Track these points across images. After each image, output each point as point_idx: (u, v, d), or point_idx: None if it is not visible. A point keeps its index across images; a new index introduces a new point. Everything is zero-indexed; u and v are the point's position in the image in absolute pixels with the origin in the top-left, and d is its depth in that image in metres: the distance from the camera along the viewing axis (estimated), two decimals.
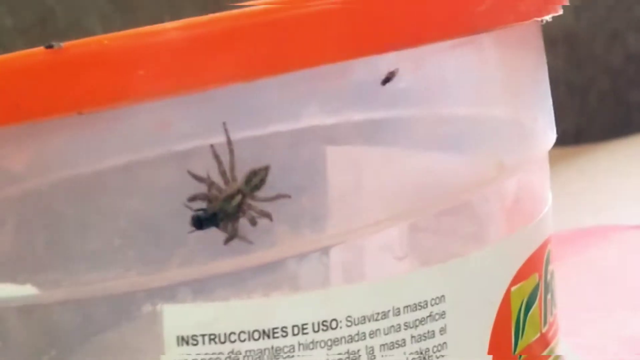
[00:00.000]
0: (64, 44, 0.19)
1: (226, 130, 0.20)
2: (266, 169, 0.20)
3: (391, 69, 0.21)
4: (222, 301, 0.20)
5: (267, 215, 0.20)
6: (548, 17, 0.23)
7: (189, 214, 0.20)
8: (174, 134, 0.20)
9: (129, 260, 0.20)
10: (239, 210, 0.20)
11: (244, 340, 0.21)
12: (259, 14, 0.19)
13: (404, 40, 0.20)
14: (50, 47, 0.19)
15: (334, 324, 0.21)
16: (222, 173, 0.20)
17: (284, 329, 0.21)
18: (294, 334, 0.21)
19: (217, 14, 0.19)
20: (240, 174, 0.20)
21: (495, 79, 0.23)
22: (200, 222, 0.20)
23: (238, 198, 0.20)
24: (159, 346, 0.20)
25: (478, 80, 0.23)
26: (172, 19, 0.62)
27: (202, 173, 0.20)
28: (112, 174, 0.20)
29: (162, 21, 0.63)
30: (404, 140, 0.23)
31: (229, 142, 0.20)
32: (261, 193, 0.20)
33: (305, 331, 0.21)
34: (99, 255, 0.20)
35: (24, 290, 0.20)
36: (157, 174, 0.20)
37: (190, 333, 0.20)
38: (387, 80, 0.21)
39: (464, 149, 0.23)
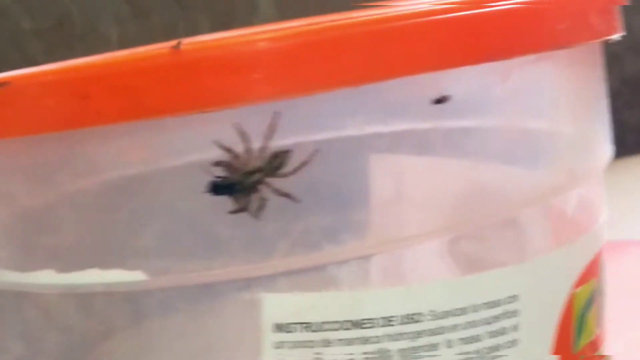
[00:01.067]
0: (184, 45, 0.20)
1: (275, 117, 0.21)
2: (287, 152, 0.21)
3: (445, 94, 0.23)
4: (317, 292, 0.22)
5: (286, 195, 0.21)
6: (617, 36, 0.24)
7: (208, 178, 0.21)
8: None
9: (235, 250, 0.21)
10: (255, 186, 0.21)
11: (336, 330, 0.22)
12: (365, 24, 0.21)
13: (492, 53, 0.22)
14: (176, 47, 0.20)
15: (418, 317, 0.22)
16: (248, 150, 0.21)
17: (373, 320, 0.22)
18: (381, 326, 0.22)
19: (325, 24, 0.21)
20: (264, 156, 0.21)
21: (567, 93, 0.25)
22: (215, 189, 0.21)
23: (257, 175, 0.21)
24: (257, 332, 0.22)
25: (552, 94, 0.24)
26: (186, 25, 0.63)
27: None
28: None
29: (175, 27, 0.65)
30: (477, 150, 0.24)
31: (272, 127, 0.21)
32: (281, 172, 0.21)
33: (391, 323, 0.22)
34: (207, 245, 0.21)
35: (133, 276, 0.22)
36: None
37: (286, 321, 0.22)
38: (439, 101, 0.23)
39: (535, 161, 0.24)
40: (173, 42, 0.20)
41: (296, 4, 0.62)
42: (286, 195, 0.21)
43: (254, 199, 0.21)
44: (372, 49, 0.20)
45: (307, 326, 0.22)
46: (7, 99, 0.21)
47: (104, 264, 0.22)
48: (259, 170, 0.21)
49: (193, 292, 0.22)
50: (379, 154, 0.23)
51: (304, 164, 0.21)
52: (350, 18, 0.21)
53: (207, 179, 0.21)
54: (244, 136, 0.21)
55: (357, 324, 0.22)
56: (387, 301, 0.22)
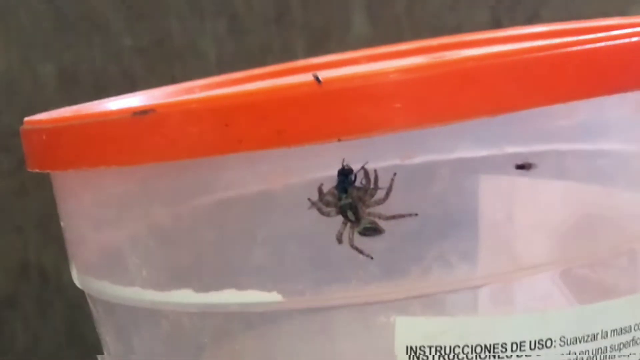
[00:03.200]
0: (324, 78, 0.21)
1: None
2: (380, 232, 0.22)
3: (530, 162, 0.23)
4: (449, 316, 0.22)
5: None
6: None
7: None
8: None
9: (370, 275, 0.22)
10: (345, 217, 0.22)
11: (467, 354, 0.22)
12: (498, 56, 0.21)
13: (629, 83, 0.22)
14: (317, 78, 0.21)
15: (548, 343, 0.22)
16: (371, 194, 0.22)
17: (504, 346, 0.22)
18: (512, 350, 0.22)
19: (464, 54, 0.21)
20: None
21: None
22: (342, 181, 0.22)
23: (352, 217, 0.22)
24: (390, 356, 0.22)
25: None
26: (281, 44, 0.64)
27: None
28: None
29: (271, 47, 0.66)
30: (602, 176, 0.24)
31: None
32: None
33: (522, 348, 0.22)
34: (343, 267, 0.22)
35: (270, 297, 0.22)
36: (394, 195, 0.22)
37: (419, 344, 0.22)
38: (521, 167, 0.23)
39: None
40: (312, 75, 0.21)
41: (391, 24, 0.62)
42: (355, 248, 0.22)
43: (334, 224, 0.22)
44: (509, 80, 0.21)
45: (439, 350, 0.22)
46: (151, 126, 0.22)
47: (241, 284, 0.22)
48: (357, 216, 0.22)
49: (325, 313, 0.23)
50: (489, 174, 0.23)
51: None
52: (469, 46, 0.21)
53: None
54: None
55: (489, 349, 0.22)
56: (519, 326, 0.22)
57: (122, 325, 0.26)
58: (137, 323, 0.25)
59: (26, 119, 0.27)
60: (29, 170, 0.26)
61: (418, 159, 0.22)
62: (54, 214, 0.62)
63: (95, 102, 0.31)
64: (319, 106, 0.21)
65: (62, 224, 0.27)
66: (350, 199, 0.22)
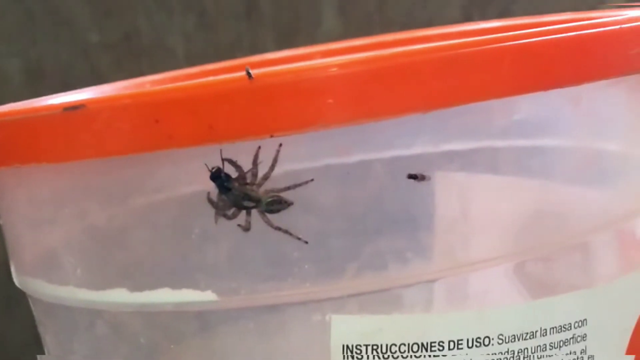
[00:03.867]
0: (254, 73, 0.20)
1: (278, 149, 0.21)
2: (289, 204, 0.22)
3: (423, 174, 0.22)
4: (385, 314, 0.22)
5: (279, 229, 0.22)
6: None
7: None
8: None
9: (305, 273, 0.21)
10: (243, 207, 0.22)
11: (404, 352, 0.22)
12: (435, 51, 0.21)
13: (563, 80, 0.22)
14: (248, 73, 0.20)
15: (486, 341, 0.22)
16: (254, 175, 0.22)
17: (441, 344, 0.22)
18: (449, 349, 0.22)
19: (399, 50, 0.21)
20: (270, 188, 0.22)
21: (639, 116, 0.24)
22: (215, 179, 0.22)
23: (249, 203, 0.22)
24: (325, 355, 0.22)
25: (624, 116, 0.24)
26: (251, 42, 0.63)
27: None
28: (293, 191, 0.21)
29: (241, 43, 0.65)
30: (547, 171, 0.24)
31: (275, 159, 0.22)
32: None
33: (460, 347, 0.22)
34: (278, 267, 0.22)
35: (204, 297, 0.22)
36: (327, 192, 0.22)
37: (355, 343, 0.22)
38: (414, 177, 0.22)
39: (607, 183, 0.24)
40: (243, 69, 0.20)
41: (361, 20, 0.62)
42: (278, 229, 0.22)
43: (242, 216, 0.22)
44: (443, 76, 0.21)
45: (375, 348, 0.22)
46: (82, 122, 0.22)
47: (175, 284, 0.22)
48: (254, 200, 0.22)
49: (261, 312, 0.22)
50: (444, 172, 0.23)
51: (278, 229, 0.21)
52: (422, 42, 0.21)
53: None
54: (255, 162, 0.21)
55: (426, 347, 0.22)
56: (456, 324, 0.22)
57: (60, 325, 0.25)
58: (75, 323, 0.25)
59: None
60: None
61: (353, 157, 0.22)
62: None
63: (34, 100, 0.30)
64: (250, 101, 0.20)
65: (0, 222, 0.26)
66: (237, 191, 0.21)
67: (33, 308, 0.26)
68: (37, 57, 0.60)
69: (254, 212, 0.21)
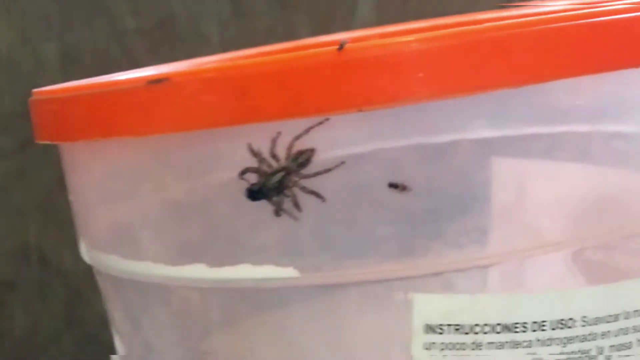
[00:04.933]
0: (348, 45, 0.20)
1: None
2: (312, 150, 0.21)
3: (405, 184, 0.22)
4: (468, 294, 0.22)
5: (314, 193, 0.21)
6: None
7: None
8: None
9: (389, 250, 0.21)
10: (282, 186, 0.22)
11: (487, 333, 0.22)
12: (530, 24, 0.21)
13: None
14: (340, 46, 0.20)
15: (570, 323, 0.22)
16: (272, 154, 0.21)
17: (524, 325, 0.22)
18: (532, 330, 0.22)
19: (492, 24, 0.20)
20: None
21: None
22: (252, 195, 0.21)
23: (280, 175, 0.21)
24: (407, 333, 0.22)
25: None
26: (286, 27, 0.63)
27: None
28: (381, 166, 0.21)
29: (275, 30, 0.65)
30: (609, 158, 0.23)
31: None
32: (308, 171, 0.21)
33: (543, 328, 0.22)
34: (362, 244, 0.21)
35: (285, 273, 0.22)
36: (415, 169, 0.21)
37: (437, 322, 0.22)
38: (394, 186, 0.22)
39: None
40: (337, 42, 0.20)
41: (396, 7, 0.62)
42: (313, 193, 0.21)
43: (286, 200, 0.22)
44: (536, 50, 0.20)
45: (457, 328, 0.22)
46: (165, 95, 0.21)
47: (256, 260, 0.22)
48: (282, 170, 0.21)
49: (342, 289, 0.22)
50: (501, 157, 0.23)
51: (327, 170, 0.21)
52: (512, 18, 0.20)
53: (244, 186, 0.21)
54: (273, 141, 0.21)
55: (508, 328, 0.22)
56: (540, 306, 0.22)
57: (131, 302, 0.25)
58: (147, 299, 0.24)
59: (35, 90, 0.26)
60: (38, 141, 0.25)
61: (436, 138, 0.21)
62: (55, 197, 0.62)
63: (105, 76, 0.30)
64: (339, 75, 0.20)
65: (70, 197, 0.26)
66: (267, 186, 0.21)
67: (102, 285, 0.26)
68: (73, 42, 0.60)
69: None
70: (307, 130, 0.21)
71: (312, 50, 0.20)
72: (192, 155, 0.22)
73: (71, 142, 0.23)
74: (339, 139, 0.21)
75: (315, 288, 0.22)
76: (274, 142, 0.21)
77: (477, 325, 0.22)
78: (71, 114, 0.23)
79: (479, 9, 0.58)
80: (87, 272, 0.64)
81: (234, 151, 0.22)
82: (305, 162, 0.21)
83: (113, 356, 0.26)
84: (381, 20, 0.61)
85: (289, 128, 0.21)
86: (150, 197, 0.23)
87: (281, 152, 0.22)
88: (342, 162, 0.21)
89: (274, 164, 0.22)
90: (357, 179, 0.21)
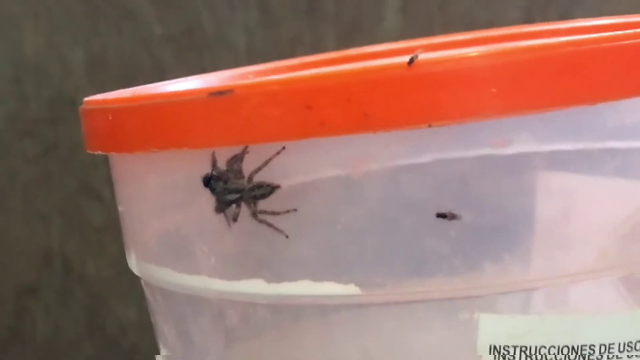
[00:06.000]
0: (417, 60, 0.20)
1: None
2: (272, 188, 0.21)
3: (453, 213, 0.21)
4: (537, 315, 0.21)
5: (268, 224, 0.22)
6: None
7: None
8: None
9: (455, 268, 0.21)
10: (233, 202, 0.22)
11: (553, 355, 0.21)
12: (599, 41, 0.20)
13: None
14: (411, 61, 0.20)
15: (638, 346, 0.21)
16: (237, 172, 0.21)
17: (592, 347, 0.21)
18: (600, 352, 0.21)
19: (567, 39, 0.20)
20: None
21: None
22: (207, 181, 0.22)
23: (235, 196, 0.22)
24: (470, 354, 0.21)
25: None
26: (312, 38, 0.63)
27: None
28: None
29: (301, 39, 0.65)
30: None
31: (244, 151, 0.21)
32: (265, 206, 0.22)
33: (611, 350, 0.21)
34: (427, 262, 0.21)
35: (347, 290, 0.21)
36: (484, 184, 0.21)
37: (503, 343, 0.21)
38: (443, 216, 0.21)
39: None
40: (407, 57, 0.20)
41: (423, 18, 0.61)
42: (266, 223, 0.22)
43: (231, 210, 0.22)
44: (612, 67, 0.20)
45: (524, 350, 0.21)
46: (228, 107, 0.21)
47: (316, 276, 0.21)
48: (240, 191, 0.21)
49: (404, 307, 0.22)
50: (547, 171, 0.22)
51: (274, 213, 0.21)
52: (584, 37, 0.20)
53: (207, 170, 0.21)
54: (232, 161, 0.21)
55: (576, 350, 0.21)
56: (608, 328, 0.21)
57: (183, 316, 0.25)
58: (201, 314, 0.24)
59: (86, 98, 0.26)
60: (88, 151, 0.25)
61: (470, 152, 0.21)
62: (78, 203, 0.61)
63: (154, 85, 0.30)
64: (408, 90, 0.20)
65: (120, 208, 0.26)
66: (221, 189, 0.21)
67: (151, 297, 0.26)
68: (100, 48, 0.60)
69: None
70: (266, 163, 0.21)
71: (381, 63, 0.20)
72: (251, 166, 0.22)
73: (127, 153, 0.23)
74: (396, 151, 0.21)
75: (375, 306, 0.22)
76: (238, 159, 0.21)
77: (543, 347, 0.21)
78: (128, 124, 0.22)
79: (505, 21, 0.58)
80: (109, 279, 0.64)
81: (295, 163, 0.21)
82: (261, 195, 0.21)
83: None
84: (407, 30, 0.61)
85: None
86: (206, 208, 0.22)
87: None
88: (294, 209, 0.21)
89: (236, 183, 0.22)
90: (420, 194, 0.21)
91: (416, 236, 0.21)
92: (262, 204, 0.22)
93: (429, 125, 0.20)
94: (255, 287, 0.22)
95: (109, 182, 0.65)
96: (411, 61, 0.19)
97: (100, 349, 0.62)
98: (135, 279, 0.64)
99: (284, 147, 0.21)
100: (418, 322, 0.22)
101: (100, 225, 0.60)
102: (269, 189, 0.21)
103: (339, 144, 0.21)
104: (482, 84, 0.19)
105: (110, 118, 0.23)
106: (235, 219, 0.22)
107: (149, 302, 0.26)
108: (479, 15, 0.58)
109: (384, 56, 0.33)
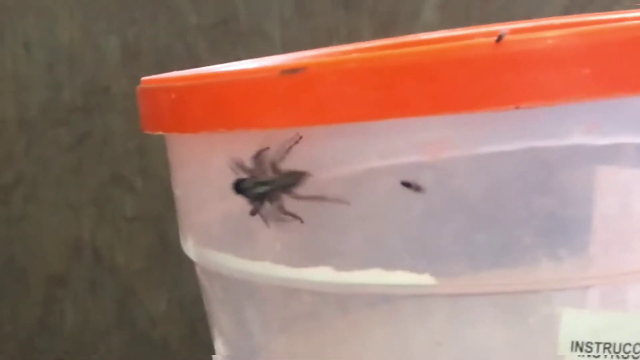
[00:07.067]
0: (506, 38, 0.19)
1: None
2: (302, 174, 0.21)
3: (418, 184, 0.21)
4: (622, 311, 0.20)
5: (292, 215, 0.21)
6: None
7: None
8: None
9: (538, 259, 0.20)
10: (264, 197, 0.21)
11: (639, 353, 0.20)
12: None
13: None
14: (499, 39, 0.19)
15: None
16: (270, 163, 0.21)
17: None
18: None
19: None
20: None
21: None
22: (236, 188, 0.21)
23: (265, 188, 0.21)
24: (551, 351, 0.20)
25: None
26: (348, 30, 0.62)
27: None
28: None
29: (337, 31, 0.64)
30: None
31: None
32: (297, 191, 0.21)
33: None
34: (507, 253, 0.20)
35: (421, 280, 0.20)
36: (575, 173, 0.20)
37: (585, 339, 0.20)
38: (407, 185, 0.21)
39: None
40: (495, 35, 0.19)
41: (460, 11, 0.61)
42: (291, 214, 0.21)
43: (266, 208, 0.21)
44: None
45: (607, 347, 0.20)
46: (301, 86, 0.20)
47: (389, 264, 0.20)
48: (269, 182, 0.21)
49: (476, 301, 0.21)
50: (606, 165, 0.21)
51: (312, 198, 0.21)
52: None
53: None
54: (257, 156, 0.21)
55: None
56: None
57: (242, 303, 0.24)
58: (262, 301, 0.23)
59: (144, 78, 0.25)
60: (145, 132, 0.24)
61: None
62: (109, 193, 0.61)
63: (208, 67, 0.29)
64: (496, 69, 0.19)
65: (177, 192, 0.25)
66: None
67: (207, 284, 0.25)
68: (134, 36, 0.59)
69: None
70: (287, 150, 0.20)
71: (466, 42, 0.19)
72: (323, 147, 0.21)
73: (191, 134, 0.22)
74: (479, 136, 0.20)
75: (448, 297, 0.21)
76: (259, 156, 0.21)
77: (628, 344, 0.20)
78: (193, 103, 0.21)
79: (544, 13, 0.57)
80: (139, 270, 0.64)
81: (369, 145, 0.20)
82: (293, 183, 0.21)
83: (215, 356, 0.24)
84: (444, 23, 0.60)
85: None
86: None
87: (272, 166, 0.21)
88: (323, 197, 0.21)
89: (264, 176, 0.21)
90: (504, 182, 0.20)
91: (497, 226, 0.20)
92: (312, 190, 0.20)
93: (517, 107, 0.19)
94: (322, 274, 0.21)
95: (141, 172, 0.65)
96: (499, 39, 0.18)
97: (129, 341, 0.61)
98: (166, 271, 0.63)
99: (300, 137, 0.20)
100: (493, 316, 0.21)
101: (131, 216, 0.59)
102: (297, 177, 0.21)
103: (420, 127, 0.20)
104: (574, 64, 0.18)
105: (173, 97, 0.22)
106: (274, 218, 0.21)
107: (204, 289, 0.25)
108: (516, 11, 0.58)
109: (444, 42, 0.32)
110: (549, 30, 0.19)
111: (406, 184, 0.20)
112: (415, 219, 0.20)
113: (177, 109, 0.22)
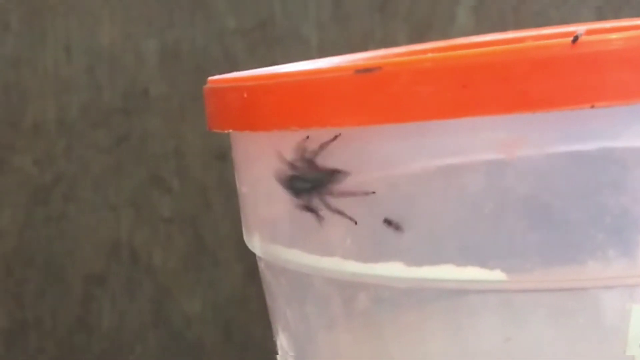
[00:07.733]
0: (582, 38, 0.19)
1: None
2: (341, 173, 0.21)
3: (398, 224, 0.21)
4: None
5: (340, 212, 0.21)
6: None
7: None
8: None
9: (609, 256, 0.20)
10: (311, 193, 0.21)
11: None
12: None
13: None
14: (575, 39, 0.19)
15: None
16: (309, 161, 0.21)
17: None
18: None
19: None
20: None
21: None
22: (289, 183, 0.22)
23: (309, 184, 0.22)
24: (619, 347, 0.20)
25: None
26: (383, 34, 0.62)
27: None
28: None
29: (373, 35, 0.64)
30: None
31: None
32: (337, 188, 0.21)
33: None
34: (579, 248, 0.20)
35: (492, 276, 0.21)
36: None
37: None
38: (388, 222, 0.21)
39: None
40: (571, 35, 0.19)
41: (495, 16, 0.61)
42: (339, 212, 0.21)
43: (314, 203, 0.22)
44: None
45: None
46: (376, 85, 0.20)
47: (460, 260, 0.21)
48: (312, 180, 0.21)
49: (553, 294, 0.21)
50: None
51: (352, 193, 0.21)
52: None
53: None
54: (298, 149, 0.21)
55: None
56: None
57: (309, 299, 0.24)
58: (330, 297, 0.23)
59: (211, 78, 0.25)
60: (213, 130, 0.25)
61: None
62: (148, 194, 0.61)
63: (286, 65, 0.29)
64: (573, 68, 0.19)
65: (243, 189, 0.25)
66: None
67: (272, 279, 0.25)
68: (173, 39, 0.60)
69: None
70: (323, 147, 0.20)
71: (541, 42, 0.19)
72: (396, 145, 0.21)
73: (263, 132, 0.22)
74: (554, 135, 0.20)
75: (519, 292, 0.21)
76: (301, 148, 0.21)
77: None
78: (266, 102, 0.22)
79: (578, 21, 0.57)
80: (176, 271, 0.64)
81: (443, 143, 0.21)
82: (332, 181, 0.21)
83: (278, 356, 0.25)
84: (480, 28, 0.60)
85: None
86: None
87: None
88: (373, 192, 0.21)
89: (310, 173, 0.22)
90: (577, 180, 0.20)
91: (570, 223, 0.20)
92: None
93: (592, 106, 0.19)
94: (393, 270, 0.21)
95: (179, 173, 0.65)
96: (575, 39, 0.19)
97: (165, 341, 0.62)
98: (201, 272, 0.64)
99: (339, 134, 0.20)
100: (563, 312, 0.21)
101: (168, 217, 0.60)
102: (341, 175, 0.21)
103: (494, 125, 0.20)
104: None
105: (245, 96, 0.22)
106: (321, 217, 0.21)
107: (269, 285, 0.26)
108: (551, 16, 0.58)
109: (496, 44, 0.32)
110: (621, 31, 0.19)
111: (387, 222, 0.21)
112: (487, 215, 0.21)
113: (249, 108, 0.22)
